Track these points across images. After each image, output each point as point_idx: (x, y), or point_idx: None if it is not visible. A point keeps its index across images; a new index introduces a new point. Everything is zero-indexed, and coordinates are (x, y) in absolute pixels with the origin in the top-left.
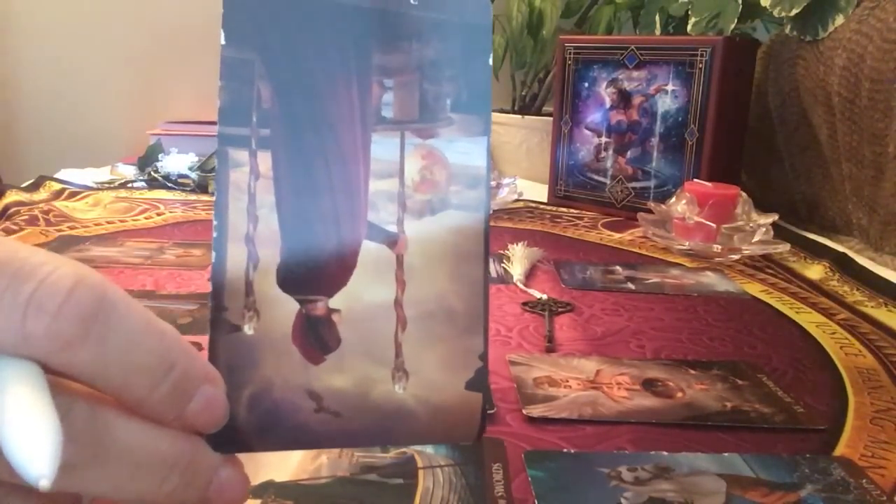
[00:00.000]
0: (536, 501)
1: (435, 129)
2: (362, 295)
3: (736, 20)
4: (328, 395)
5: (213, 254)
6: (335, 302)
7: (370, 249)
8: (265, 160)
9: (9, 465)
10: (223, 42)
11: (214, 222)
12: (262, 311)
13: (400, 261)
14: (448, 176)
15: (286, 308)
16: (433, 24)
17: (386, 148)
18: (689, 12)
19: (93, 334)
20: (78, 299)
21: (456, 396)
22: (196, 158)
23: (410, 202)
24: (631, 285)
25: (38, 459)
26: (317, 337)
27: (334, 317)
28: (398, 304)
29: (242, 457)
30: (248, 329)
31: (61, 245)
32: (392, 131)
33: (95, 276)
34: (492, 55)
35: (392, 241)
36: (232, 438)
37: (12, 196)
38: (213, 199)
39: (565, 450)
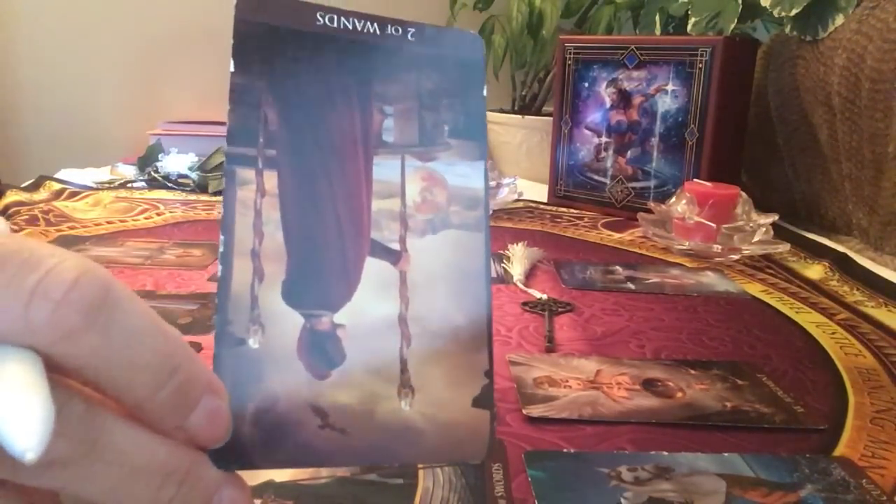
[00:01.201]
0: (536, 501)
1: (434, 153)
2: (367, 310)
3: (736, 20)
4: (333, 412)
5: (220, 267)
6: (340, 317)
7: (374, 266)
8: (271, 179)
9: None
10: (232, 69)
11: (221, 237)
12: (267, 325)
13: (403, 277)
14: (448, 197)
15: (291, 322)
16: (430, 58)
17: (387, 170)
18: (689, 12)
19: (96, 325)
20: (83, 289)
21: (463, 413)
22: (196, 158)
23: (412, 221)
24: (631, 285)
25: (26, 432)
26: (322, 351)
27: (339, 332)
28: (402, 320)
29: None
30: (252, 343)
31: (61, 245)
32: (393, 154)
33: (102, 270)
34: (486, 87)
35: (395, 258)
36: (235, 454)
37: (12, 196)
38: (220, 215)
39: (565, 450)
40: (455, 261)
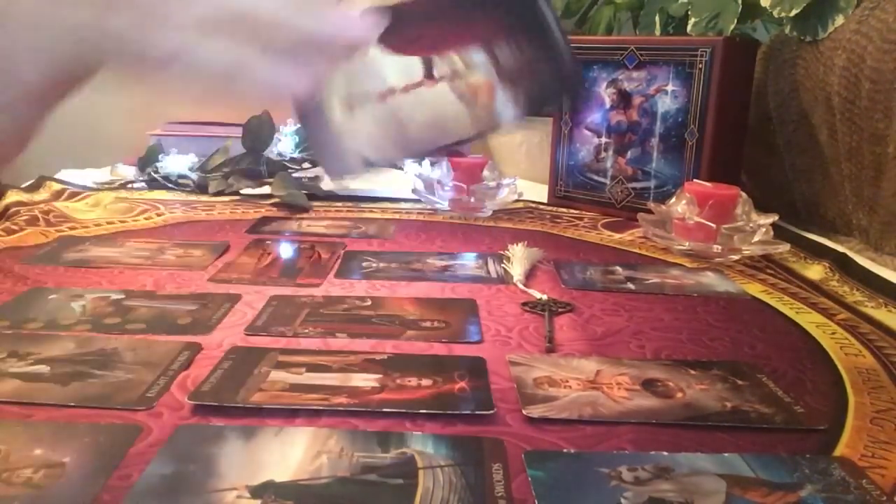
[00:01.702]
0: (536, 501)
1: None
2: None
3: (736, 20)
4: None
5: None
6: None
7: None
8: None
9: None
10: None
11: None
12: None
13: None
14: None
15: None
16: None
17: None
18: (689, 13)
19: None
20: None
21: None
22: (196, 159)
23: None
24: (631, 285)
25: None
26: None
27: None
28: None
29: (243, 456)
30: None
31: (61, 245)
32: None
33: None
34: None
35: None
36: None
37: (12, 196)
38: None
39: (565, 450)
40: None
